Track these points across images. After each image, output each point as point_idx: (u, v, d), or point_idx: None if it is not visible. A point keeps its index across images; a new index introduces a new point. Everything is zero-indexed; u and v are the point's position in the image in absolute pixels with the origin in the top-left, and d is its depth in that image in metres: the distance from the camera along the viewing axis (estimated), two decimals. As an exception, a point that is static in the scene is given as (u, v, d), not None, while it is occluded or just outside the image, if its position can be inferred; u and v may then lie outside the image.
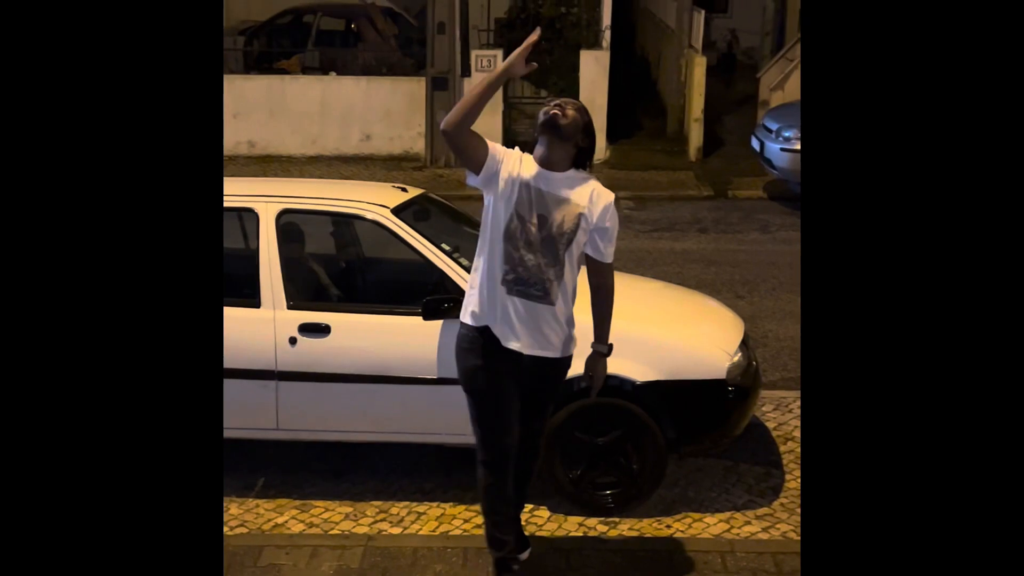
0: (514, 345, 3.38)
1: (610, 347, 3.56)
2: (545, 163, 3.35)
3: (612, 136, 12.64)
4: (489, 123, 12.33)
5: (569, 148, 3.36)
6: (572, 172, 3.39)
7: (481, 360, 3.42)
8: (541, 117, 3.36)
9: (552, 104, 3.37)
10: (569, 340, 3.51)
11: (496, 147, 3.40)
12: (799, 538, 4.10)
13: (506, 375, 3.43)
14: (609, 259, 3.46)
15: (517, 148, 3.49)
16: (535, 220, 3.33)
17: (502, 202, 3.34)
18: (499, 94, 12.34)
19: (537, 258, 3.34)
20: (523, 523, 4.21)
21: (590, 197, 3.37)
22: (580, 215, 3.34)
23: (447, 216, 5.28)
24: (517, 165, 3.37)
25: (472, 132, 3.34)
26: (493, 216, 3.37)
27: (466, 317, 3.46)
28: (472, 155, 3.34)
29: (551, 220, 3.33)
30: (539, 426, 3.67)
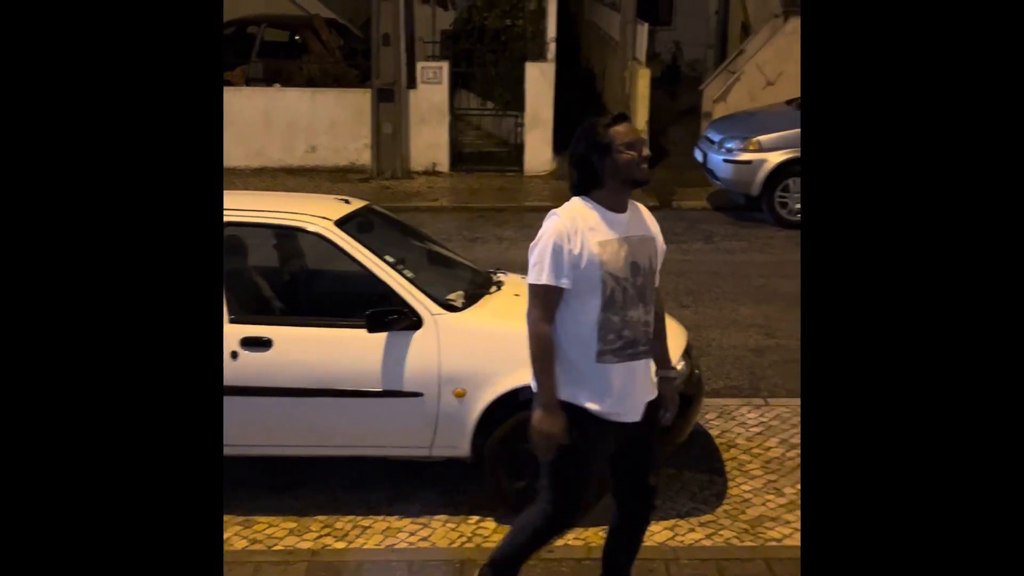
0: (629, 417, 3.13)
1: (677, 370, 3.38)
2: (618, 207, 3.08)
3: (558, 148, 12.71)
4: (435, 133, 12.36)
5: None
6: (631, 203, 3.19)
7: (577, 434, 3.07)
8: (634, 173, 3.04)
9: (639, 156, 3.03)
10: None
11: (559, 264, 3.00)
12: (742, 544, 4.16)
13: (600, 442, 3.16)
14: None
15: (564, 209, 3.10)
16: (629, 272, 3.05)
17: (585, 276, 3.01)
18: (445, 104, 12.37)
19: (639, 310, 3.09)
20: (469, 535, 4.21)
21: (650, 221, 3.22)
22: (656, 244, 3.18)
23: (391, 228, 5.28)
24: (580, 233, 3.00)
25: (554, 307, 3.05)
26: (577, 290, 3.01)
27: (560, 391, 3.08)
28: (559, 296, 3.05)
29: (644, 263, 3.09)
30: (652, 479, 3.34)
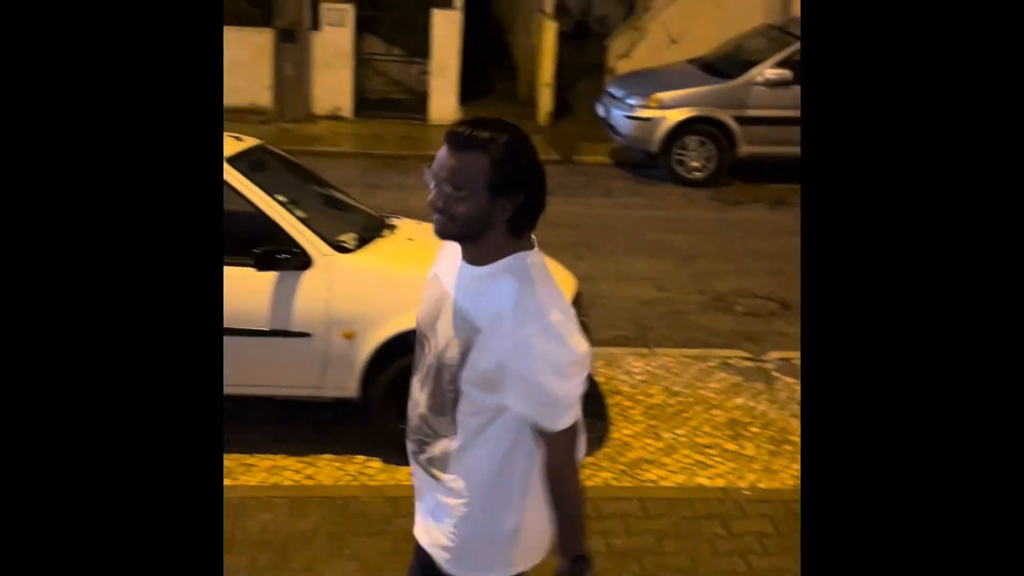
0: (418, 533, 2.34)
1: (586, 560, 2.13)
2: (465, 255, 2.09)
3: (465, 98, 12.68)
4: (338, 77, 12.17)
5: (490, 231, 2.03)
6: (501, 265, 2.04)
7: None
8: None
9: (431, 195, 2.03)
10: (472, 553, 2.19)
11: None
12: (619, 484, 4.31)
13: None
14: (551, 423, 2.03)
15: None
16: (428, 331, 2.15)
17: None
18: (349, 48, 12.17)
19: (425, 399, 2.15)
20: (354, 474, 4.27)
21: (496, 313, 1.99)
22: (468, 340, 2.02)
23: (285, 169, 5.22)
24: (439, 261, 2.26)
25: None
26: None
27: None
28: None
29: (440, 343, 2.09)
30: None
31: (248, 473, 4.23)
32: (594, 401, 5.17)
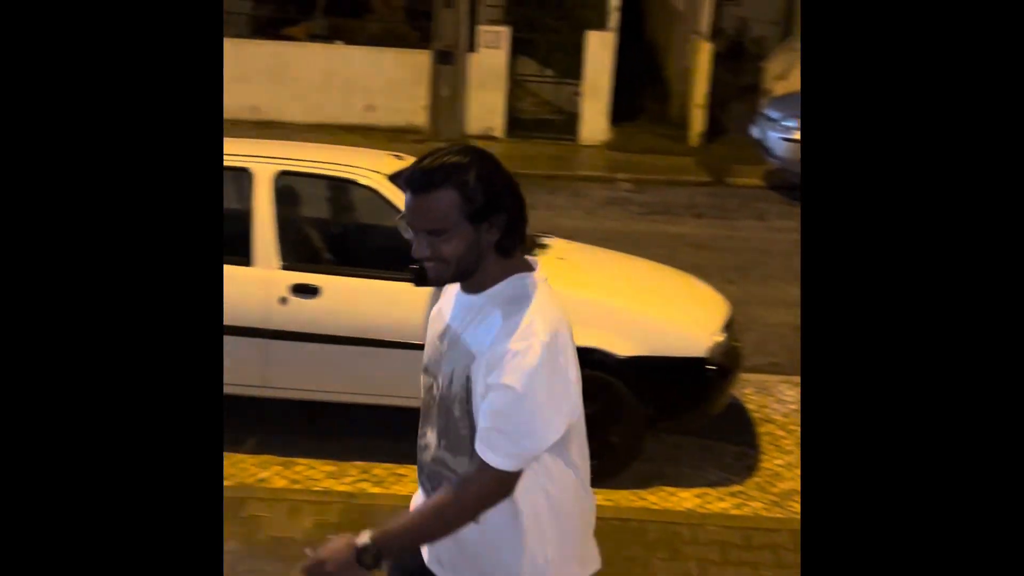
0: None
1: (372, 557, 1.89)
2: (463, 286, 2.03)
3: (615, 118, 12.69)
4: (492, 98, 12.38)
5: (473, 256, 1.93)
6: (497, 289, 1.97)
7: None
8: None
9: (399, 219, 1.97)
10: None
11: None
12: (770, 515, 4.20)
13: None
14: (483, 449, 1.89)
15: None
16: (431, 370, 2.07)
17: None
18: (504, 70, 12.36)
19: (432, 436, 2.05)
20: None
21: (494, 337, 1.89)
22: (467, 367, 1.93)
23: (442, 186, 5.35)
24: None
25: None
26: None
27: None
28: None
29: (443, 372, 2.00)
30: None
31: (399, 483, 4.34)
32: (743, 428, 5.06)
